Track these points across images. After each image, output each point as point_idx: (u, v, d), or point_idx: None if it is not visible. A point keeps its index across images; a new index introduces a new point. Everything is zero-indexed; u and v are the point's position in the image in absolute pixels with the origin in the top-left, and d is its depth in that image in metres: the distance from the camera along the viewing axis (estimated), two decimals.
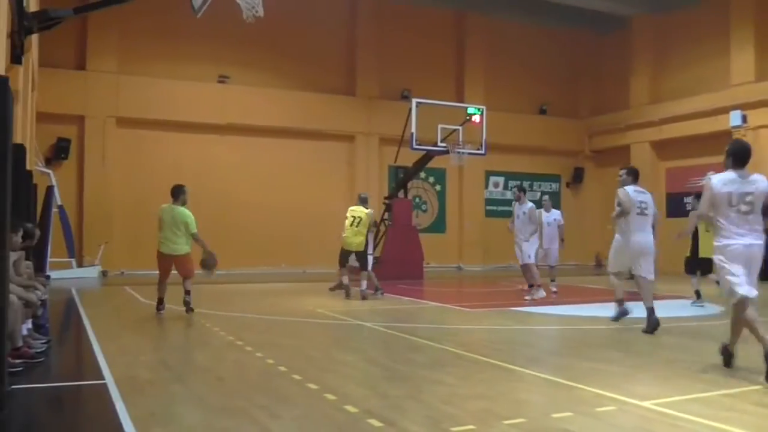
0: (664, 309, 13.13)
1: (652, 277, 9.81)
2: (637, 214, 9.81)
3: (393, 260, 20.04)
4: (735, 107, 21.45)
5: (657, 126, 24.53)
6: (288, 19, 22.84)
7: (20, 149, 9.94)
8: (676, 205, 24.22)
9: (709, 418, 5.09)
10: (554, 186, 28.42)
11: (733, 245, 6.66)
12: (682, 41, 24.51)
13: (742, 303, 6.52)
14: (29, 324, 7.90)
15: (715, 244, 6.86)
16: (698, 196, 7.70)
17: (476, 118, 20.62)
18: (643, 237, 9.85)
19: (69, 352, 8.71)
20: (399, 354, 8.05)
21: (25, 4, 9.41)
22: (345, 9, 24.92)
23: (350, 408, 5.37)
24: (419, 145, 20.16)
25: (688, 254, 13.64)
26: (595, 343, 8.86)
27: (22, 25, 9.59)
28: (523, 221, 14.03)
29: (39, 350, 7.44)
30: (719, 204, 6.76)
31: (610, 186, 27.10)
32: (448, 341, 8.73)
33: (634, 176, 10.17)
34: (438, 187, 26.43)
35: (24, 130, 12.44)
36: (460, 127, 20.65)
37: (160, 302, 11.55)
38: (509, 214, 16.05)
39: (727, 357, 6.94)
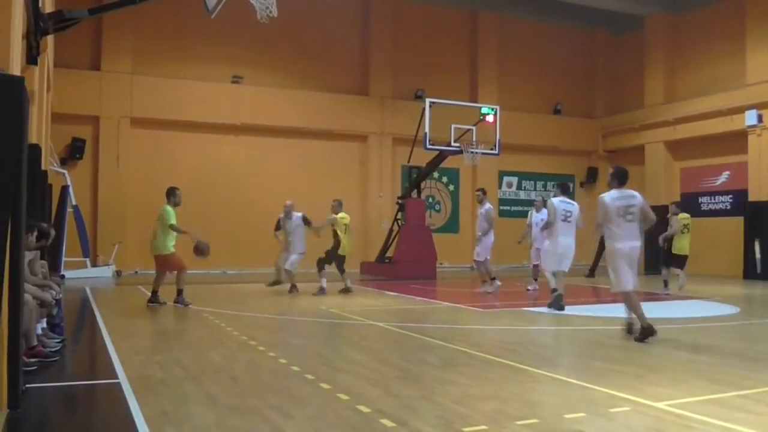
0: (677, 309, 13.09)
1: (567, 270, 12.44)
2: (562, 221, 12.13)
3: (406, 260, 20.07)
4: (750, 107, 21.28)
5: (672, 126, 24.38)
6: (301, 19, 22.89)
7: (35, 149, 10.04)
8: (690, 206, 24.06)
9: (723, 419, 5.06)
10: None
11: (622, 247, 8.85)
12: (697, 41, 24.34)
13: (628, 294, 8.93)
14: (44, 323, 7.95)
15: (609, 246, 9.01)
16: (676, 203, 11.80)
17: (490, 118, 20.60)
18: (567, 240, 12.22)
19: (83, 351, 8.76)
20: (411, 354, 8.04)
21: (40, 5, 9.46)
22: (358, 9, 24.93)
23: (363, 408, 5.37)
24: (432, 145, 20.16)
25: (665, 249, 15.87)
26: (607, 344, 8.82)
27: (37, 25, 9.65)
28: (480, 221, 15.41)
29: (53, 349, 7.49)
30: (612, 215, 8.90)
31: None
32: (461, 341, 8.72)
33: (561, 189, 12.72)
34: (451, 187, 26.39)
35: (39, 131, 12.54)
36: (474, 127, 20.63)
37: (153, 294, 12.53)
38: (522, 215, 16.22)
39: (647, 331, 8.70)
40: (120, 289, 16.62)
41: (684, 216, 15.78)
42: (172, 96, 21.55)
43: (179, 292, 12.31)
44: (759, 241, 20.91)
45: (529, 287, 15.99)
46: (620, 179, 9.17)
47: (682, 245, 15.53)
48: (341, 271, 15.34)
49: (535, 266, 15.96)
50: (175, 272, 12.40)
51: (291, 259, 15.03)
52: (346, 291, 15.17)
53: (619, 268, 8.89)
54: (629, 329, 9.06)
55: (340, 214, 15.08)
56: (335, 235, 15.19)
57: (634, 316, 8.96)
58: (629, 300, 8.97)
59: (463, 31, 26.61)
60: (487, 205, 15.45)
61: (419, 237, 20.61)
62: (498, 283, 15.34)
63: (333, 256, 15.22)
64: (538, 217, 15.71)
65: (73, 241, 18.82)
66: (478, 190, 16.23)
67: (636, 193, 9.10)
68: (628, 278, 8.83)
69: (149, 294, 12.63)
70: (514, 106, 25.31)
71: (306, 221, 15.17)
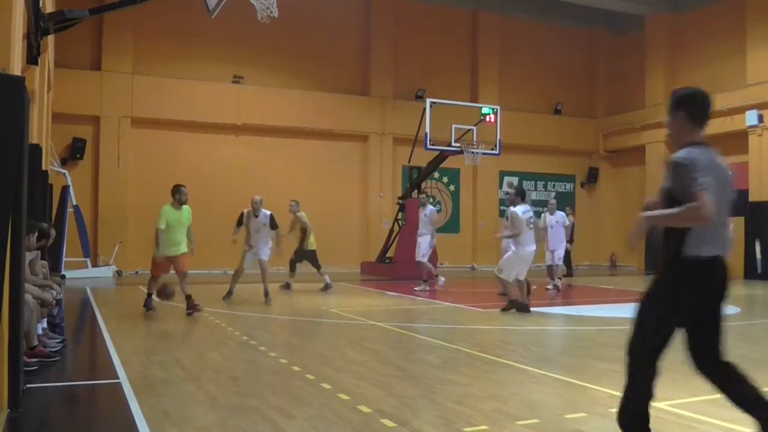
0: None
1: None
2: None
3: (406, 260, 20.03)
4: (751, 107, 21.27)
5: None
6: (302, 19, 22.87)
7: (36, 149, 10.03)
8: None
9: (723, 419, 5.07)
10: (569, 186, 28.29)
11: (527, 252, 11.71)
12: (698, 40, 24.32)
13: (515, 282, 11.80)
14: (44, 323, 7.96)
15: (518, 251, 11.67)
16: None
17: (490, 118, 20.61)
18: (505, 242, 13.67)
19: (83, 351, 8.76)
20: (412, 354, 8.05)
21: (41, 5, 9.46)
22: (359, 9, 24.92)
23: (363, 408, 5.37)
24: (433, 145, 20.16)
25: None
26: (608, 344, 8.82)
27: (38, 26, 9.64)
28: (424, 222, 16.17)
29: (54, 349, 7.49)
30: (523, 226, 11.57)
31: (625, 186, 27.14)
32: (462, 341, 8.72)
33: (522, 196, 12.57)
34: (452, 187, 26.38)
35: (40, 131, 12.54)
36: (474, 127, 20.63)
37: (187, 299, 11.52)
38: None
39: (520, 306, 11.66)
40: (121, 290, 16.62)
41: None
42: (172, 96, 21.54)
43: (149, 294, 11.80)
44: (759, 241, 20.90)
45: (549, 286, 16.08)
46: (522, 196, 12.00)
47: None
48: (318, 267, 15.63)
49: (549, 267, 16.09)
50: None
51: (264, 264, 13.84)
52: (327, 288, 15.43)
53: (516, 266, 11.75)
54: (519, 307, 11.71)
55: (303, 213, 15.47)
56: (302, 232, 15.46)
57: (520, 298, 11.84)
58: (513, 287, 11.79)
59: (464, 31, 26.60)
60: (429, 208, 16.40)
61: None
62: (442, 279, 16.30)
63: (304, 254, 15.49)
64: (553, 219, 15.78)
65: (73, 241, 18.81)
66: (421, 194, 16.82)
67: (530, 207, 11.99)
68: (516, 272, 11.84)
69: (149, 294, 12.52)
70: (515, 106, 25.31)
71: (273, 223, 13.91)
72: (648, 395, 4.04)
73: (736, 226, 21.83)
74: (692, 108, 4.36)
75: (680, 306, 3.95)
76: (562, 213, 16.15)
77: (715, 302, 4.03)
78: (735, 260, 21.50)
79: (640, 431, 4.03)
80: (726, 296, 4.03)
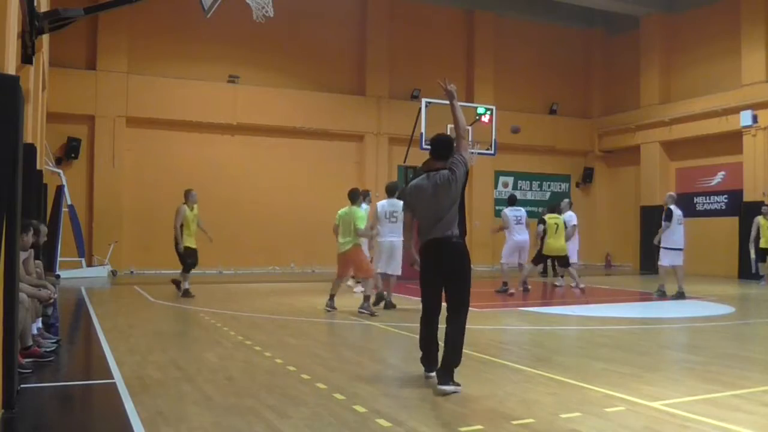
0: (672, 309, 13.11)
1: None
2: (515, 224, 15.39)
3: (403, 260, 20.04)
4: (746, 107, 21.28)
5: (667, 126, 24.40)
6: (298, 18, 22.86)
7: (31, 149, 9.99)
8: (686, 206, 24.07)
9: (717, 419, 5.08)
10: (564, 186, 28.31)
11: (383, 241, 12.54)
12: (693, 41, 24.37)
13: (377, 275, 12.32)
14: (39, 323, 7.94)
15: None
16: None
17: (486, 118, 20.60)
18: (522, 237, 15.34)
19: (78, 351, 8.74)
20: (408, 354, 8.03)
21: (35, 4, 9.44)
22: (355, 8, 24.90)
23: (359, 408, 5.37)
24: (429, 145, 20.14)
25: None
26: (603, 344, 8.84)
27: (33, 25, 9.61)
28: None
29: (49, 349, 7.48)
30: (381, 218, 12.62)
31: (620, 186, 27.20)
32: None
33: (510, 201, 16.08)
34: None
35: (35, 130, 12.49)
36: (470, 127, 20.62)
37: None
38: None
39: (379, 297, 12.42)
40: (115, 289, 16.58)
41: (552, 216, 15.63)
42: (167, 95, 21.49)
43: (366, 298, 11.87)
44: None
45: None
46: (389, 192, 12.94)
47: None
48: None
49: (520, 265, 16.07)
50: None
51: None
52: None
53: (381, 256, 12.28)
54: (379, 301, 12.29)
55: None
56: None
57: (385, 292, 12.30)
58: (377, 279, 12.34)
59: (460, 31, 26.61)
60: None
61: (416, 237, 20.57)
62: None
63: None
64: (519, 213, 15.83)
65: (68, 241, 18.77)
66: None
67: (400, 203, 11.91)
68: (381, 264, 12.21)
69: (146, 294, 12.49)
70: (510, 106, 25.29)
71: None
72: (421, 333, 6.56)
73: (730, 227, 21.91)
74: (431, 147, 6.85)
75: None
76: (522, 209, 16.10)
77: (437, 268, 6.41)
78: (729, 260, 21.59)
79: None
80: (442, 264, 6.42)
